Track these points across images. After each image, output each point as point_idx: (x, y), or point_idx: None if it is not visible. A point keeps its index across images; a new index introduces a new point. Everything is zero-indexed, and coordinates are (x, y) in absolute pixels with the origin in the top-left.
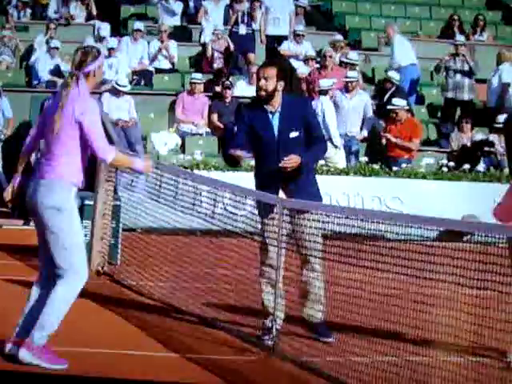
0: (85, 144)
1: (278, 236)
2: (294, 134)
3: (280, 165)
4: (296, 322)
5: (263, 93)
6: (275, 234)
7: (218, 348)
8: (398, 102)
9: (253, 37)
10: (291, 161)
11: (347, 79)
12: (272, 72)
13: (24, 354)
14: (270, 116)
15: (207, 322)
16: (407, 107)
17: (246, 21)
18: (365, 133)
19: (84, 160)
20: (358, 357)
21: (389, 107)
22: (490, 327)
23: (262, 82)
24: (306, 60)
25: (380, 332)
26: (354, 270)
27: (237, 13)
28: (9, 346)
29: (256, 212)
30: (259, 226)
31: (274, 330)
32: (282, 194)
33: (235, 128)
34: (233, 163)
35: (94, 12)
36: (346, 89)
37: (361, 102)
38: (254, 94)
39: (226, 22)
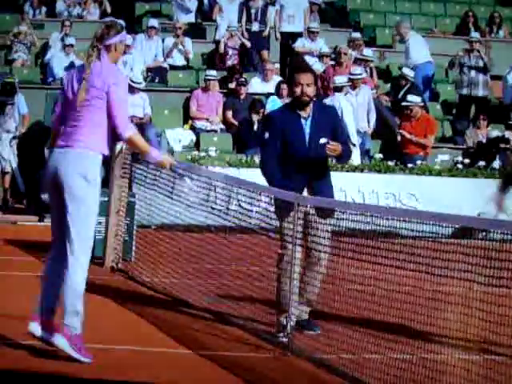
0: (109, 116)
1: (294, 233)
2: (323, 140)
3: (328, 146)
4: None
5: (307, 98)
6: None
7: (233, 345)
8: (413, 99)
9: (266, 34)
10: (335, 146)
11: (352, 76)
12: (312, 78)
13: (62, 342)
14: (303, 121)
15: (221, 318)
16: (422, 104)
17: (259, 18)
18: (372, 125)
19: (109, 130)
20: (371, 354)
21: (403, 104)
22: (504, 325)
23: (306, 88)
24: (320, 57)
25: (393, 329)
26: (368, 266)
27: (251, 10)
28: (36, 327)
29: (271, 209)
30: (276, 224)
31: (289, 327)
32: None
33: (266, 135)
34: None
35: (108, 9)
36: (353, 85)
37: (365, 96)
38: (268, 91)
39: (240, 20)
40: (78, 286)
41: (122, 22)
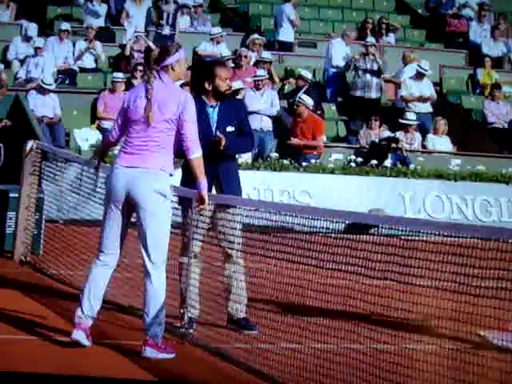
0: (177, 134)
1: (190, 227)
2: (230, 129)
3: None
4: (208, 309)
5: (230, 91)
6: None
7: (134, 334)
8: (304, 98)
9: (174, 37)
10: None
11: (256, 78)
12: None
13: (151, 353)
14: (211, 110)
15: (124, 309)
16: (310, 107)
17: (170, 22)
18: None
19: (174, 150)
20: (264, 344)
21: (294, 99)
22: (389, 316)
23: (228, 81)
24: None
25: (284, 320)
26: (261, 260)
27: (162, 14)
28: (81, 335)
29: (176, 205)
30: (177, 219)
31: (186, 318)
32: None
33: None
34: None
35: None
36: (257, 87)
37: (270, 98)
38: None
39: (147, 24)
40: (162, 298)
41: (34, 25)
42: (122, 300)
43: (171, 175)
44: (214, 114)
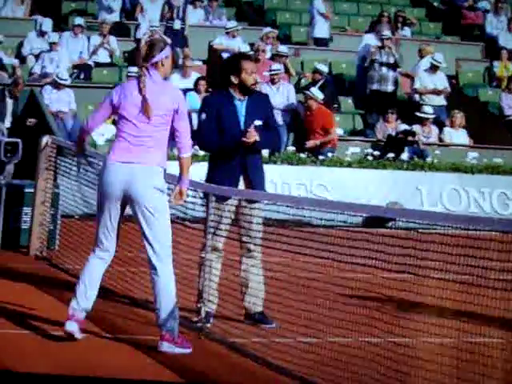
0: (171, 130)
1: (207, 223)
2: (258, 122)
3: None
4: (225, 303)
5: (256, 86)
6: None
7: (150, 329)
8: (314, 91)
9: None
10: (253, 134)
11: (271, 72)
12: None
13: (168, 348)
14: (239, 103)
15: (139, 303)
16: (320, 100)
17: (180, 16)
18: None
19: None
20: (280, 338)
21: (304, 92)
22: (407, 309)
23: (254, 75)
24: None
25: (301, 314)
26: (278, 254)
27: (173, 8)
28: (74, 326)
29: (187, 199)
30: (193, 214)
31: (203, 312)
32: (242, 185)
33: (203, 116)
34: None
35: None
36: (272, 81)
37: (286, 92)
38: (186, 87)
39: (162, 18)
40: (172, 291)
41: (49, 20)
42: (137, 294)
43: (165, 170)
44: (242, 107)
